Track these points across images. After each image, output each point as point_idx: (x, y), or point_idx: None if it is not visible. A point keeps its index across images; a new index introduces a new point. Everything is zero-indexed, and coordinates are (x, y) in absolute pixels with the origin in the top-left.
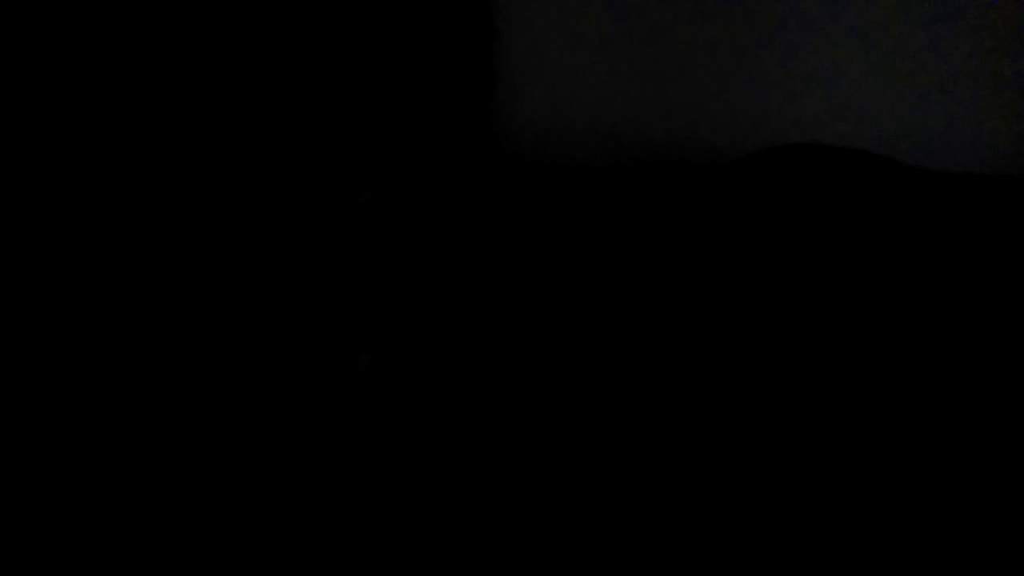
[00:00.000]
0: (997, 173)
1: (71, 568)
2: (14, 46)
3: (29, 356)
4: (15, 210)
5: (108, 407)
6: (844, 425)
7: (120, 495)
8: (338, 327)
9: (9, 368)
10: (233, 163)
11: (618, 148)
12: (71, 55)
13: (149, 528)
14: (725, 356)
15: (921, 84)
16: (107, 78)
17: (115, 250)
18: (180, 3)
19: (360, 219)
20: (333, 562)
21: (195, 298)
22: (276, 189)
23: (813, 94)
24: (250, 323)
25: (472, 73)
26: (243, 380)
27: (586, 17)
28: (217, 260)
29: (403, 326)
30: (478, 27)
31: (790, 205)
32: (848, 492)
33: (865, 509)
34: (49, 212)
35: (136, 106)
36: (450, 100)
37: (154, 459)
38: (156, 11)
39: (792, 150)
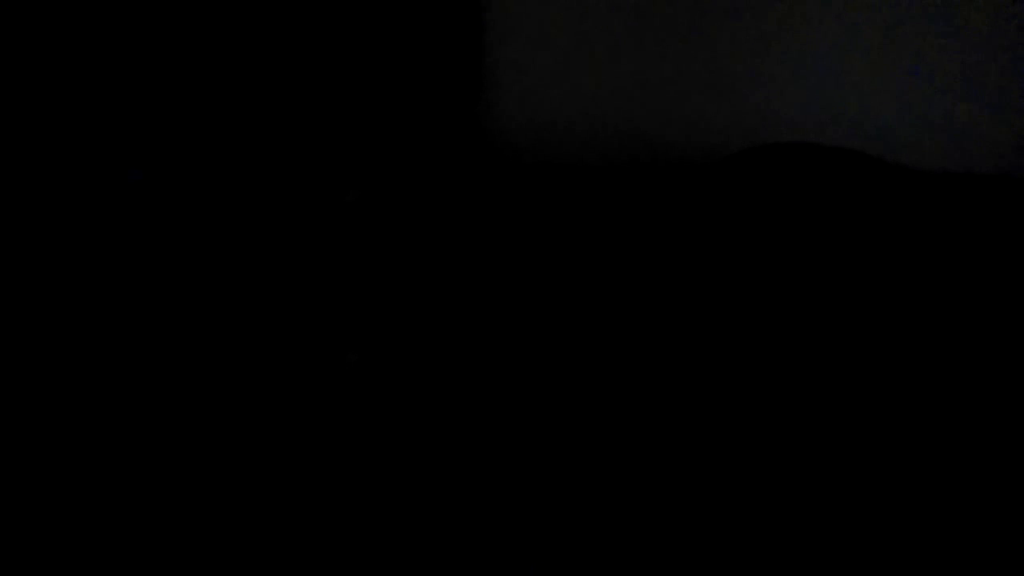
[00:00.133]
0: (987, 172)
1: (68, 568)
2: (4, 46)
3: (18, 354)
4: (4, 208)
5: (97, 406)
6: (828, 423)
7: (111, 493)
8: (327, 324)
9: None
10: (221, 162)
11: (609, 147)
12: (60, 55)
13: (141, 525)
14: (716, 355)
15: (913, 84)
16: (96, 78)
17: (103, 248)
18: (175, 8)
19: (347, 218)
20: (325, 559)
21: (183, 296)
22: (264, 188)
23: (806, 93)
24: (240, 320)
25: (461, 71)
26: (233, 377)
27: (577, 16)
28: (205, 258)
29: (392, 324)
30: (468, 25)
31: (774, 204)
32: (843, 491)
33: (862, 508)
34: (37, 211)
35: (124, 105)
36: (439, 98)
37: (144, 456)
38: (146, 13)
39: (777, 149)
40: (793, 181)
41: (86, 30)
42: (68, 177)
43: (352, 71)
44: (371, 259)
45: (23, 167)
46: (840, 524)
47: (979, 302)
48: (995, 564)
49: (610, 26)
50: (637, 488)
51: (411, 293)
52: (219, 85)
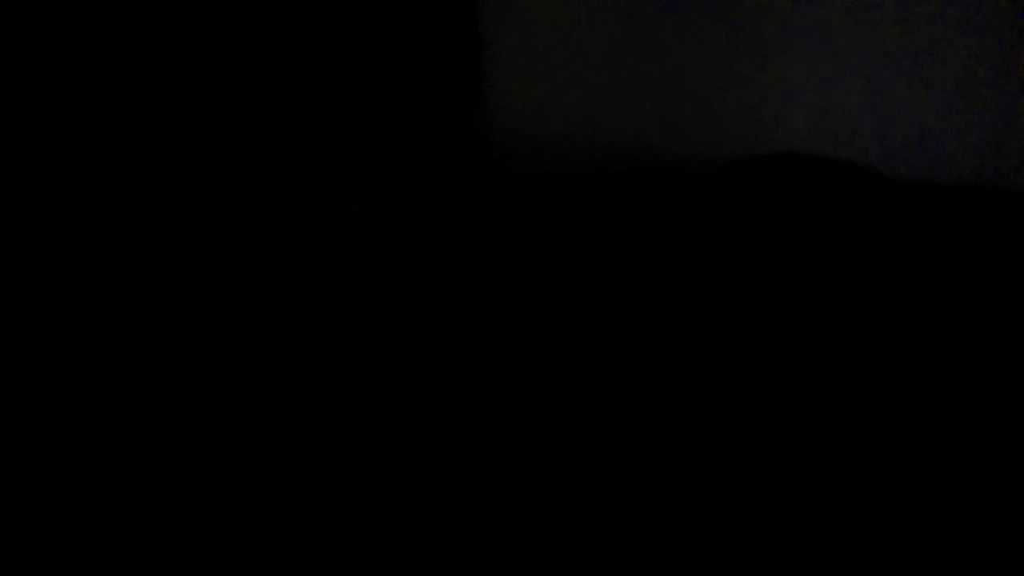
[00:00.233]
0: (977, 185)
1: (71, 568)
2: (9, 59)
3: (25, 369)
4: (10, 222)
5: (109, 415)
6: (812, 430)
7: (122, 498)
8: (336, 334)
9: (6, 382)
10: (228, 175)
11: (605, 157)
12: (68, 70)
13: (149, 528)
14: (706, 360)
15: (906, 97)
16: (103, 93)
17: (112, 261)
18: (177, 21)
19: (352, 229)
20: (331, 562)
21: (193, 307)
22: (271, 200)
23: (799, 104)
24: (251, 330)
25: (459, 84)
26: (245, 384)
27: (572, 27)
28: (216, 270)
29: (398, 332)
30: (465, 39)
31: (765, 214)
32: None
33: (858, 508)
34: (45, 225)
35: (129, 120)
36: (438, 111)
37: (159, 461)
38: (155, 29)
39: (769, 160)
40: (784, 192)
41: (94, 46)
42: (76, 191)
43: (355, 86)
44: (376, 269)
45: (31, 181)
46: (838, 524)
47: (962, 310)
48: (995, 564)
49: (605, 37)
50: (637, 492)
51: (416, 302)
52: (226, 100)
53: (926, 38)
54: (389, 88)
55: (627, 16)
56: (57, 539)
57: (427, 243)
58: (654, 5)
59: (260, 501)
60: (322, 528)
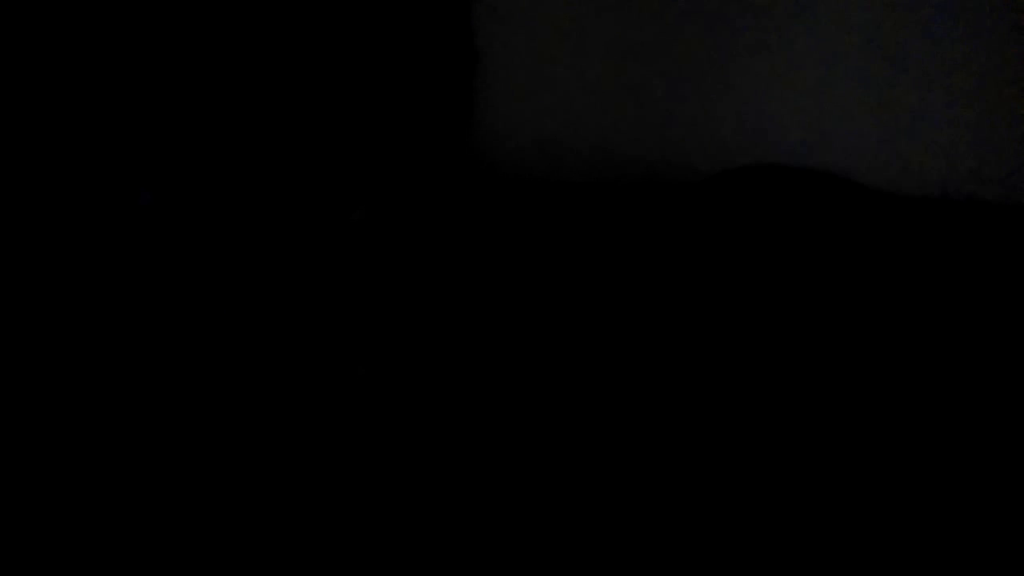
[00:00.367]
0: (971, 198)
1: (71, 568)
2: (9, 66)
3: (29, 375)
4: (11, 230)
5: (113, 422)
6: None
7: (123, 501)
8: (338, 339)
9: (9, 386)
10: (231, 183)
11: (599, 166)
12: (71, 78)
13: (149, 529)
14: (693, 368)
15: (896, 109)
16: (106, 102)
17: (116, 270)
18: (177, 29)
19: (353, 236)
20: (332, 564)
21: (196, 313)
22: (274, 207)
23: (791, 113)
24: (253, 335)
25: (454, 93)
26: (247, 390)
27: (566, 37)
28: (219, 278)
29: (398, 338)
30: (460, 49)
31: (753, 225)
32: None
33: (855, 508)
34: (47, 234)
35: (131, 128)
36: (434, 120)
37: (158, 468)
38: (157, 39)
39: (758, 170)
40: (772, 203)
41: (97, 55)
42: (79, 200)
43: (354, 97)
44: (377, 275)
45: (34, 191)
46: (837, 524)
47: (944, 320)
48: (995, 564)
49: (599, 48)
50: (636, 493)
51: (416, 308)
52: (229, 108)
53: (926, 49)
54: (387, 98)
55: (620, 26)
56: (57, 539)
57: (426, 250)
58: (647, 16)
59: (262, 505)
60: (323, 530)
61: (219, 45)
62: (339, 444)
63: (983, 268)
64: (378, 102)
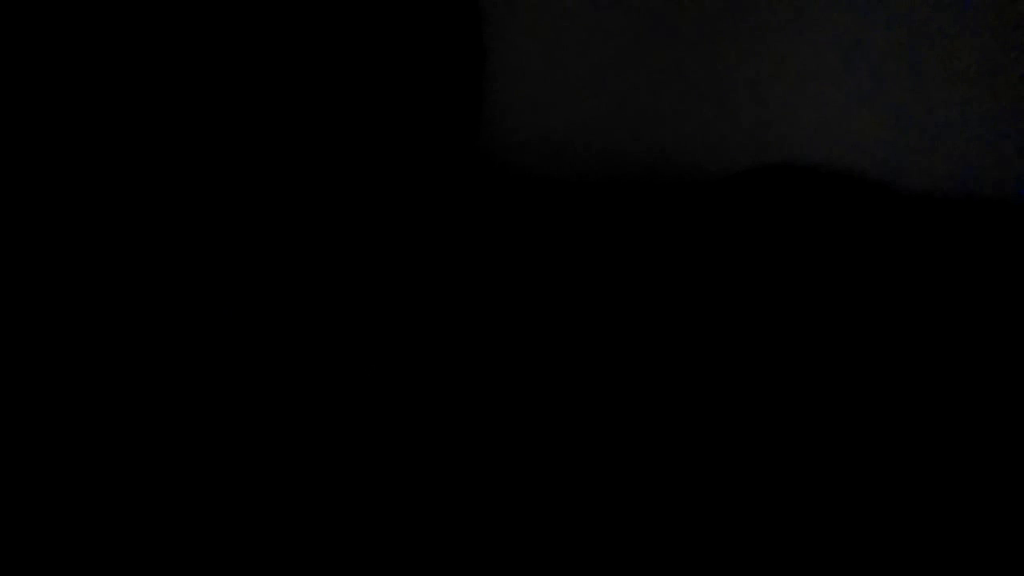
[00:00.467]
0: (983, 196)
1: (70, 568)
2: (10, 64)
3: (27, 374)
4: (11, 230)
5: (112, 422)
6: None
7: (122, 501)
8: (336, 335)
9: (8, 385)
10: (232, 179)
11: (609, 164)
12: (67, 77)
13: (148, 528)
14: (702, 369)
15: (910, 107)
16: (99, 100)
17: (111, 266)
18: (180, 34)
19: (355, 235)
20: (332, 564)
21: (194, 309)
22: (276, 206)
23: (809, 111)
24: (252, 333)
25: (462, 91)
26: (245, 386)
27: (575, 34)
28: (219, 273)
29: (401, 337)
30: (468, 46)
31: (769, 226)
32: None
33: (852, 509)
34: (46, 224)
35: (131, 129)
36: (442, 118)
37: (156, 467)
38: (151, 41)
39: (776, 170)
40: (789, 204)
41: (90, 54)
42: (79, 200)
43: (361, 95)
44: (380, 274)
45: (33, 179)
46: (836, 524)
47: (960, 320)
48: (995, 564)
49: (609, 45)
50: (635, 494)
51: (420, 307)
52: (229, 106)
53: (939, 48)
54: (393, 95)
55: (631, 23)
56: (56, 538)
57: (432, 249)
58: (659, 13)
59: (260, 503)
60: (322, 529)
61: (219, 42)
62: (336, 443)
63: (1012, 269)
64: (386, 100)
